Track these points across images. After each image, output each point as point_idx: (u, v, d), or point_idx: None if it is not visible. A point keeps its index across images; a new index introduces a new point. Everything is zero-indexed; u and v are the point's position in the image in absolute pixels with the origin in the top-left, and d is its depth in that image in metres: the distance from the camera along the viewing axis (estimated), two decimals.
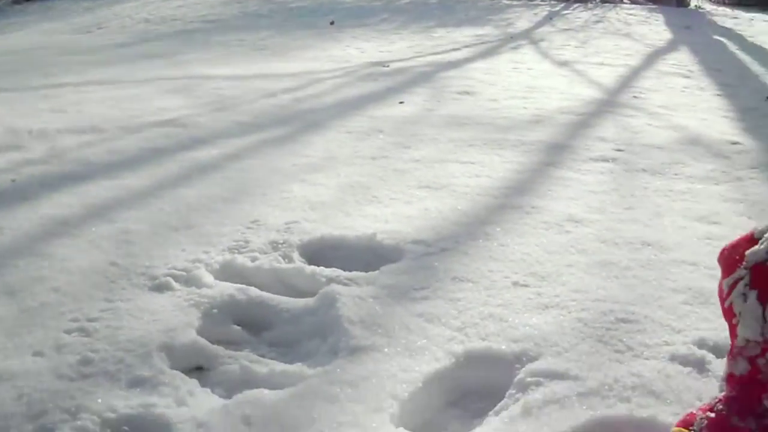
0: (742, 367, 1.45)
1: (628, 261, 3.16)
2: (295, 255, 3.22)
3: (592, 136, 5.22)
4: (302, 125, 5.50)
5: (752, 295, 1.41)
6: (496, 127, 5.41)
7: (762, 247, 1.45)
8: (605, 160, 4.66)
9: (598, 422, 2.12)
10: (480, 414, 2.22)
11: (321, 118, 5.70)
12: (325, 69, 7.85)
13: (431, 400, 2.30)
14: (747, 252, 1.47)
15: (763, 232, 1.50)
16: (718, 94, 6.97)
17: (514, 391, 2.26)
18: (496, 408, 2.21)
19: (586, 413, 2.13)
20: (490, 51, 9.25)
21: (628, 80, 7.51)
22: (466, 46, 9.49)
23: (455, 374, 2.38)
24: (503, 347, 2.46)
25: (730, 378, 1.53)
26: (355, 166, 4.48)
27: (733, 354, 1.49)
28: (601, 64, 8.37)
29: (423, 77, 7.49)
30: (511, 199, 3.89)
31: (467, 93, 6.67)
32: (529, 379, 2.29)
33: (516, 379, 2.31)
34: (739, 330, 1.46)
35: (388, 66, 8.04)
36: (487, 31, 10.92)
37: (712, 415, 1.51)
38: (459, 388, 2.37)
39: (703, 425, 1.51)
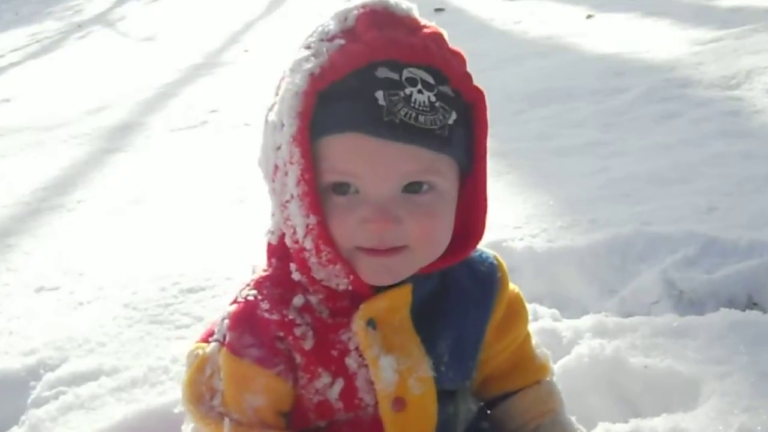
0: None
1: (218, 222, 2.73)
2: None
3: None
4: None
5: None
6: (40, 129, 4.53)
7: None
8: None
9: (139, 417, 1.74)
10: None
11: None
12: None
13: None
14: None
15: None
16: None
17: (25, 417, 1.78)
18: None
19: (126, 409, 1.72)
20: (47, 48, 7.77)
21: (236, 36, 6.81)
22: (14, 50, 7.82)
23: None
24: (14, 365, 1.95)
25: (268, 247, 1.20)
26: None
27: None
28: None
29: None
30: (49, 200, 3.29)
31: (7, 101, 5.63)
32: (45, 394, 1.77)
33: (30, 399, 1.83)
34: None
35: None
36: (46, 26, 9.02)
37: (232, 307, 1.16)
38: None
39: (224, 326, 1.16)
